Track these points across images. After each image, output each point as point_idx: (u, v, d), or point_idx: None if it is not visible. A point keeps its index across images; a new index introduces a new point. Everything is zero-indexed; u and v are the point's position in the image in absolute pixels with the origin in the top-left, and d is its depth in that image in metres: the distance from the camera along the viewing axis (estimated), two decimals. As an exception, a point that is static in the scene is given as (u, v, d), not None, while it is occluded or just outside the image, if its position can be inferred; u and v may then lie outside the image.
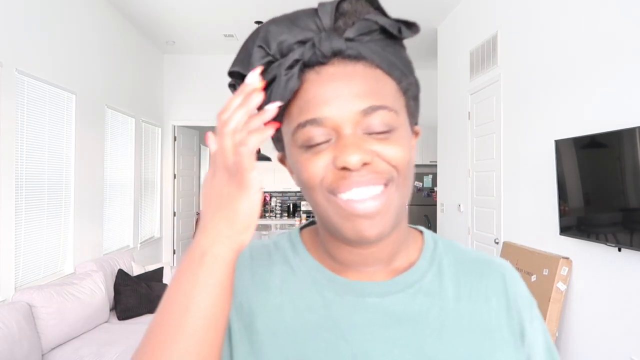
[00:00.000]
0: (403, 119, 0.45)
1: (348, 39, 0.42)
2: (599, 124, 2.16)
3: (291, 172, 0.51)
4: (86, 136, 3.59)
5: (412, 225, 0.58)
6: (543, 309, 2.47)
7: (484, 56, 3.48)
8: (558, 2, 2.55)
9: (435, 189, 5.44)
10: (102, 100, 3.91)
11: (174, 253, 5.83)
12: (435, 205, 4.82)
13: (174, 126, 5.78)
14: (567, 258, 2.46)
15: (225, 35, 5.06)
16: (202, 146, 7.83)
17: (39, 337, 2.54)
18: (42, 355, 2.55)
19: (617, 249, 2.05)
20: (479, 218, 3.66)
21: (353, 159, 0.40)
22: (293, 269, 0.52)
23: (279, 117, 0.45)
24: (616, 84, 2.09)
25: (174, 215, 5.83)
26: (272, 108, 0.42)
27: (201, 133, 7.02)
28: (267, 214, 6.65)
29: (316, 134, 0.42)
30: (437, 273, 0.52)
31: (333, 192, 0.43)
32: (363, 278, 0.51)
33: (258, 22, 4.55)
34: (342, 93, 0.42)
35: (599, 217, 2.16)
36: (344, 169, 0.41)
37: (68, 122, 3.35)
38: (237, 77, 0.46)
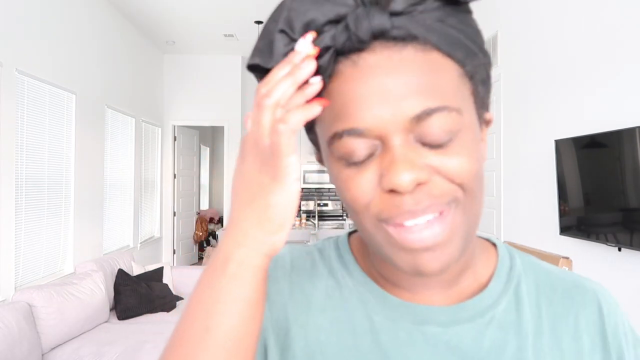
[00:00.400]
0: (469, 115, 0.35)
1: (394, 13, 0.32)
2: (599, 124, 2.16)
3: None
4: (86, 136, 3.59)
5: (482, 236, 0.47)
6: (543, 309, 2.47)
7: (484, 56, 3.48)
8: (558, 2, 2.55)
9: (435, 189, 5.43)
10: (102, 100, 3.91)
11: (174, 253, 5.84)
12: (435, 205, 4.82)
13: (174, 126, 5.78)
14: (567, 258, 2.46)
15: (225, 35, 5.06)
16: (202, 146, 7.84)
17: (39, 337, 2.54)
18: (42, 355, 2.55)
19: (617, 249, 2.05)
20: (479, 218, 3.66)
21: (404, 180, 0.31)
22: (339, 283, 0.44)
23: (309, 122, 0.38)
24: (616, 84, 2.09)
25: (174, 215, 5.83)
26: (317, 81, 0.33)
27: (201, 133, 7.03)
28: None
29: (357, 147, 0.33)
30: (514, 299, 0.42)
31: (383, 220, 0.34)
32: (420, 300, 0.41)
33: (258, 22, 4.55)
34: (387, 91, 0.32)
35: (599, 217, 2.15)
36: (393, 191, 0.32)
37: (68, 122, 3.35)
38: (258, 72, 0.36)
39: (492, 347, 0.39)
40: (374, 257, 0.43)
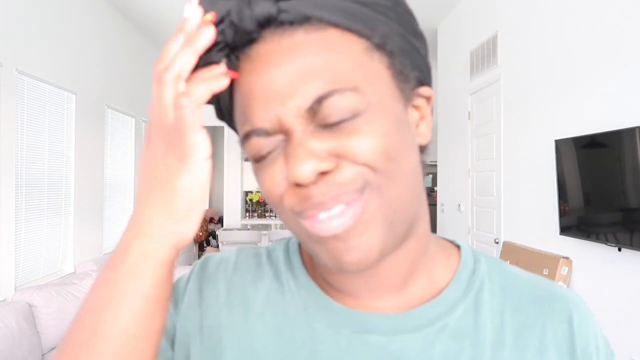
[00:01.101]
0: (378, 90, 0.31)
1: None
2: (599, 124, 2.16)
3: None
4: (86, 136, 3.59)
5: (447, 238, 0.44)
6: (543, 309, 2.47)
7: (484, 56, 3.48)
8: (558, 2, 2.55)
9: (435, 188, 5.44)
10: (102, 100, 3.91)
11: (174, 253, 5.83)
12: (435, 205, 4.82)
13: (174, 126, 5.78)
14: (567, 258, 2.46)
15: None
16: (202, 146, 7.83)
17: (39, 337, 2.54)
18: (42, 355, 2.55)
19: (617, 249, 2.05)
20: (479, 218, 3.66)
21: (303, 171, 0.29)
22: (283, 286, 0.41)
23: (231, 122, 0.37)
24: (616, 84, 2.09)
25: (174, 215, 5.82)
26: (207, 34, 0.29)
27: (201, 133, 7.03)
28: (267, 214, 6.65)
29: (263, 145, 0.32)
30: (473, 307, 0.38)
31: (297, 214, 0.32)
32: (366, 306, 0.38)
33: (258, 22, 4.55)
34: (279, 84, 0.30)
35: (599, 217, 2.15)
36: (298, 185, 0.30)
37: (68, 122, 3.35)
38: None
39: (443, 359, 0.35)
40: (317, 264, 0.40)
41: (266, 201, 0.35)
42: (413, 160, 0.34)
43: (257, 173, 0.34)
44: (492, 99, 3.39)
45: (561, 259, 2.45)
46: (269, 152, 0.32)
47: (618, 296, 2.12)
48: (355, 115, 0.30)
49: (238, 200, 5.96)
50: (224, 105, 0.35)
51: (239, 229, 5.02)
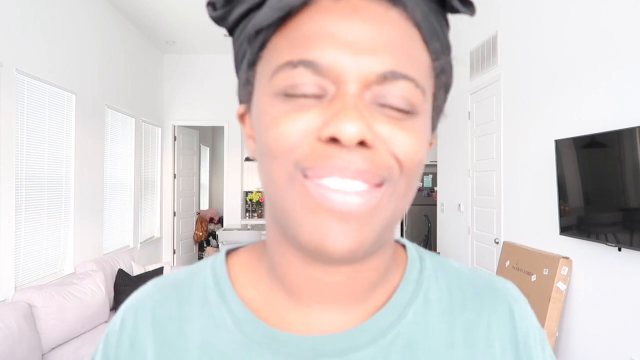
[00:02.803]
0: (428, 107, 0.32)
1: None
2: (599, 124, 2.16)
3: (249, 136, 0.36)
4: (86, 136, 3.59)
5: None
6: (543, 309, 2.47)
7: (484, 56, 3.48)
8: (558, 3, 2.55)
9: (435, 188, 5.45)
10: (102, 100, 3.91)
11: (174, 253, 5.84)
12: (435, 205, 4.82)
13: (174, 126, 5.78)
14: (567, 258, 2.46)
15: (225, 35, 5.05)
16: (202, 146, 7.84)
17: (39, 337, 2.54)
18: (42, 355, 2.55)
19: (617, 248, 2.05)
20: (479, 218, 3.66)
21: (350, 129, 0.26)
22: (217, 323, 0.36)
23: (258, 49, 0.32)
24: (616, 84, 2.09)
25: (174, 215, 5.83)
26: None
27: (201, 133, 7.03)
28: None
29: (307, 81, 0.28)
30: (423, 309, 0.37)
31: (304, 170, 0.29)
32: (320, 324, 0.35)
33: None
34: (363, 37, 0.28)
35: (599, 216, 2.15)
36: (333, 140, 0.27)
37: (68, 122, 3.35)
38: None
39: None
40: (274, 255, 0.36)
41: (260, 148, 0.31)
42: (420, 176, 0.33)
43: (275, 111, 0.29)
44: (492, 99, 3.39)
45: (561, 259, 2.45)
46: (304, 95, 0.29)
47: (618, 296, 2.12)
48: (411, 113, 0.30)
49: (238, 200, 5.96)
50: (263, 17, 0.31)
51: (239, 229, 5.02)
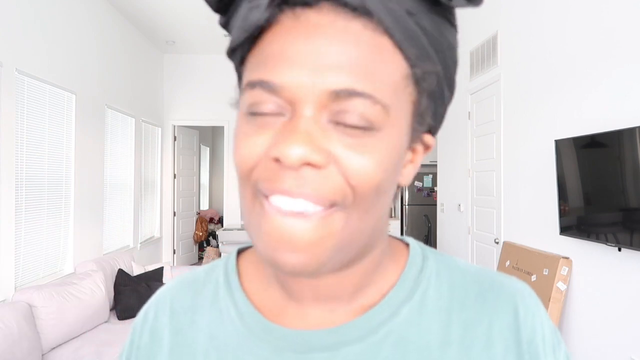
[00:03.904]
0: (398, 120, 0.31)
1: None
2: (599, 124, 2.16)
3: None
4: (86, 136, 3.59)
5: (398, 237, 0.43)
6: (543, 309, 2.46)
7: (484, 56, 3.48)
8: (559, 2, 2.55)
9: (435, 188, 5.45)
10: (102, 100, 3.91)
11: (174, 253, 5.84)
12: (435, 205, 4.82)
13: (174, 126, 5.78)
14: (567, 258, 2.46)
15: (226, 35, 5.04)
16: (202, 146, 7.84)
17: (39, 337, 2.54)
18: (42, 355, 2.55)
19: (617, 249, 2.05)
20: (479, 218, 3.66)
21: (292, 152, 0.27)
22: (223, 316, 0.39)
23: (239, 64, 0.34)
24: (616, 84, 2.09)
25: (174, 215, 5.83)
26: None
27: (201, 133, 7.03)
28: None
29: (264, 100, 0.29)
30: (419, 305, 0.37)
31: (260, 191, 0.30)
32: (315, 319, 0.37)
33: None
34: (317, 56, 0.28)
35: (599, 217, 2.15)
36: (277, 161, 0.28)
37: (68, 122, 3.35)
38: None
39: None
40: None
41: (235, 166, 0.32)
42: (389, 198, 0.33)
43: (241, 133, 0.31)
44: (492, 99, 3.39)
45: (561, 259, 2.45)
46: (264, 114, 0.30)
47: (618, 296, 2.12)
48: (369, 130, 0.29)
49: (238, 200, 5.96)
50: (240, 35, 0.32)
51: (238, 229, 5.02)
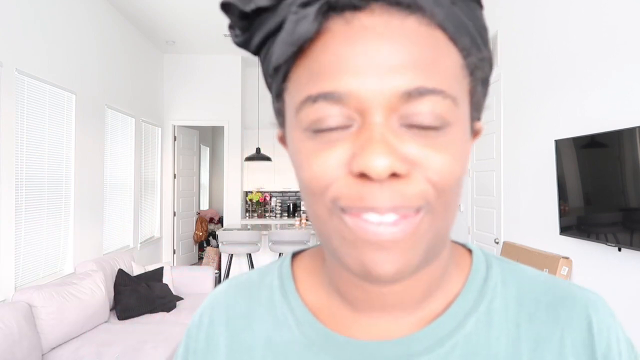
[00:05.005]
0: (463, 111, 0.30)
1: None
2: (599, 124, 2.16)
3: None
4: (86, 136, 3.59)
5: (458, 242, 0.41)
6: (543, 309, 2.47)
7: (484, 56, 3.48)
8: (559, 2, 2.55)
9: (435, 188, 5.44)
10: (102, 100, 3.91)
11: (174, 253, 5.84)
12: (435, 205, 4.82)
13: (174, 126, 5.78)
14: (567, 258, 2.46)
15: (225, 35, 5.06)
16: (202, 146, 7.84)
17: (39, 337, 2.54)
18: (42, 355, 2.55)
19: (617, 248, 2.05)
20: (479, 218, 3.66)
21: (379, 164, 0.26)
22: (280, 322, 0.38)
23: (281, 81, 0.32)
24: (616, 84, 2.09)
25: (174, 215, 5.83)
26: None
27: (201, 133, 7.03)
28: (267, 214, 6.65)
29: (331, 114, 0.28)
30: (486, 317, 0.35)
31: (341, 209, 0.29)
32: (378, 330, 0.36)
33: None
34: (380, 59, 0.27)
35: (599, 216, 2.15)
36: (363, 176, 0.27)
37: (68, 122, 3.35)
38: (233, 14, 0.31)
39: None
40: (332, 271, 0.37)
41: (302, 187, 0.31)
42: (461, 192, 0.32)
43: (306, 149, 0.29)
44: (492, 99, 3.39)
45: (561, 259, 2.45)
46: (330, 129, 0.28)
47: (618, 296, 2.12)
48: (443, 127, 0.28)
49: (238, 200, 5.96)
50: (281, 53, 0.30)
51: (239, 229, 5.02)
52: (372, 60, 0.27)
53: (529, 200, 2.88)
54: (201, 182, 7.41)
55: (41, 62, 3.00)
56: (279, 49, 0.29)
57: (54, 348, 2.64)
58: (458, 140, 0.29)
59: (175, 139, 5.81)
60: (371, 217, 0.28)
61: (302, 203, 7.01)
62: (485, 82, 0.33)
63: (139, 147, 4.83)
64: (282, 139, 0.36)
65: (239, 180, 5.97)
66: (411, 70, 0.27)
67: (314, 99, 0.28)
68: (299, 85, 0.29)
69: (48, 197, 3.10)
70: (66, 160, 3.34)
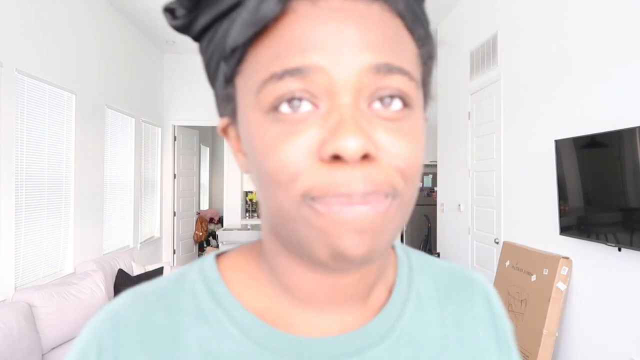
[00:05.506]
0: (421, 98, 0.31)
1: None
2: (599, 124, 2.16)
3: (237, 149, 0.34)
4: (86, 136, 3.59)
5: None
6: (543, 309, 2.47)
7: (484, 56, 3.48)
8: (559, 3, 2.55)
9: (435, 188, 5.44)
10: (102, 100, 3.91)
11: (174, 253, 5.84)
12: (435, 205, 4.82)
13: (174, 126, 5.78)
14: (567, 258, 2.46)
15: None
16: (202, 146, 7.84)
17: (39, 337, 2.54)
18: (42, 355, 2.55)
19: (617, 248, 2.05)
20: (479, 218, 3.66)
21: (352, 144, 0.25)
22: (216, 332, 0.33)
23: (235, 64, 0.30)
24: (616, 84, 2.09)
25: (174, 215, 5.83)
26: None
27: (201, 133, 7.02)
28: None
29: (294, 89, 0.27)
30: (418, 304, 0.37)
31: (313, 199, 0.27)
32: (331, 324, 0.34)
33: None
34: (348, 36, 0.27)
35: (599, 216, 2.15)
36: (336, 158, 0.26)
37: (68, 122, 3.35)
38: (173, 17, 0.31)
39: None
40: (278, 266, 0.34)
41: (264, 177, 0.29)
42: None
43: (271, 137, 0.27)
44: (492, 99, 3.39)
45: (561, 259, 2.45)
46: (294, 110, 0.27)
47: (618, 296, 2.12)
48: (408, 109, 0.28)
49: (238, 200, 5.96)
50: (236, 35, 0.28)
51: (238, 229, 5.02)
52: (341, 38, 0.26)
53: (529, 200, 2.88)
54: (201, 182, 7.41)
55: (41, 62, 3.00)
56: (239, 29, 0.28)
57: (54, 348, 2.64)
58: (420, 127, 0.30)
59: (175, 139, 5.81)
60: (344, 207, 0.27)
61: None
62: (430, 75, 0.33)
63: (139, 147, 4.83)
64: (225, 130, 0.34)
65: (239, 180, 5.97)
66: (379, 47, 0.27)
67: (279, 75, 0.27)
68: (259, 65, 0.28)
69: (48, 197, 3.10)
70: (66, 160, 3.34)
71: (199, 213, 6.76)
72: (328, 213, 0.27)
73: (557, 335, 2.47)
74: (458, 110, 4.04)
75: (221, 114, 0.34)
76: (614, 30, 2.10)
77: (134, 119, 4.65)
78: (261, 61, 0.28)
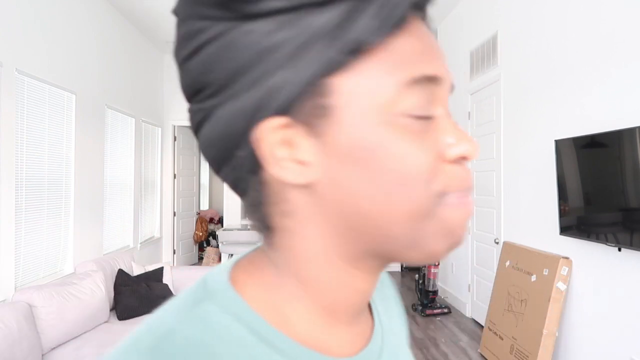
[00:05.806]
0: None
1: None
2: (599, 124, 2.16)
3: (291, 158, 0.28)
4: (86, 136, 3.59)
5: None
6: (543, 309, 2.46)
7: (484, 56, 3.48)
8: (558, 3, 2.55)
9: (435, 188, 5.44)
10: (102, 100, 3.91)
11: (174, 253, 5.84)
12: (435, 205, 4.82)
13: (174, 126, 5.78)
14: (567, 258, 2.46)
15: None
16: (202, 146, 7.82)
17: (39, 337, 2.54)
18: (42, 355, 2.55)
19: (617, 249, 2.05)
20: (479, 218, 3.66)
21: (476, 148, 0.29)
22: None
23: (345, 60, 0.26)
24: (616, 84, 2.09)
25: (174, 215, 5.83)
26: None
27: (201, 133, 6.99)
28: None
29: (433, 102, 0.28)
30: (384, 309, 0.41)
31: (446, 194, 0.28)
32: (357, 338, 0.34)
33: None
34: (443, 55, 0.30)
35: (599, 216, 2.15)
36: (462, 158, 0.29)
37: (68, 122, 3.35)
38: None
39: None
40: (321, 284, 0.31)
41: (401, 177, 0.27)
42: None
43: (405, 143, 0.27)
44: (492, 99, 3.39)
45: (561, 259, 2.45)
46: (422, 117, 0.27)
47: (618, 296, 2.12)
48: None
49: (238, 200, 5.94)
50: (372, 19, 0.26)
51: (239, 229, 5.02)
52: (442, 55, 0.29)
53: (529, 200, 2.88)
54: (201, 182, 7.41)
55: (41, 62, 3.00)
56: (368, 24, 0.25)
57: (54, 348, 2.64)
58: None
59: (175, 139, 5.81)
60: (468, 197, 0.31)
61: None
62: None
63: (139, 147, 4.83)
64: (284, 140, 0.27)
65: (239, 180, 5.97)
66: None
67: (419, 81, 0.27)
68: (404, 62, 0.26)
69: (48, 197, 3.10)
70: (66, 160, 3.34)
71: (199, 213, 6.76)
72: (458, 205, 0.29)
73: (557, 335, 2.47)
74: (458, 110, 4.04)
75: (277, 112, 0.27)
76: (614, 30, 2.10)
77: (134, 119, 4.64)
78: (404, 57, 0.27)
